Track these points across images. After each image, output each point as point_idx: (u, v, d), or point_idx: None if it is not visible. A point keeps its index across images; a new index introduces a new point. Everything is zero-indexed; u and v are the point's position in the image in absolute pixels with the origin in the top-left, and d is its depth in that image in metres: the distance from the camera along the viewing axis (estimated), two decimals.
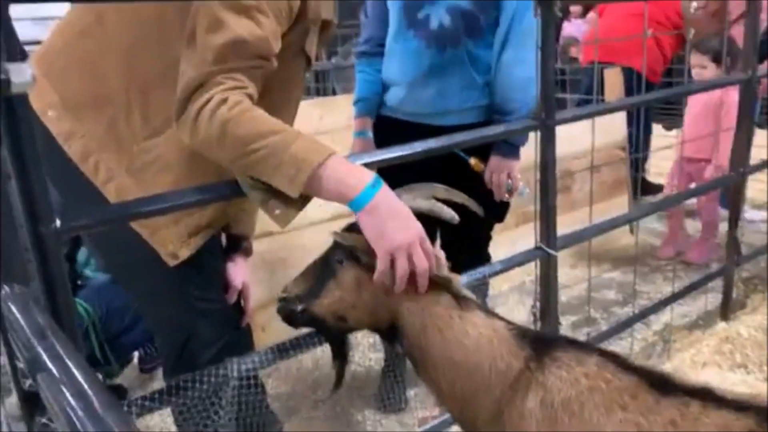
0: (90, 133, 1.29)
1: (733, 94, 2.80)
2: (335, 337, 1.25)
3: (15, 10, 0.97)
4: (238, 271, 1.61)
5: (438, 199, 1.28)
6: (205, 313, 1.45)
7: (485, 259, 2.27)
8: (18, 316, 0.75)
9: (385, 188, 1.14)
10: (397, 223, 1.12)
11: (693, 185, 3.03)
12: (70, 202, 1.37)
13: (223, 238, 1.65)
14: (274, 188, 1.16)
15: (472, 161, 1.95)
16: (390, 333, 1.19)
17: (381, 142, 2.06)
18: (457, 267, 1.91)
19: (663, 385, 1.01)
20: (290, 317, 1.22)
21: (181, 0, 1.19)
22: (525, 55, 1.82)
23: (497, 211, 2.17)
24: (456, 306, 1.14)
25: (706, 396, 0.97)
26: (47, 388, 0.62)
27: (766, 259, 2.85)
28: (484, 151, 1.95)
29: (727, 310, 2.72)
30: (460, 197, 1.33)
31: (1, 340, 0.74)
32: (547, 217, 1.84)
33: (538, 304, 1.93)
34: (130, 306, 2.21)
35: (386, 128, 2.07)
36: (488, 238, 2.26)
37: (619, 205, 3.64)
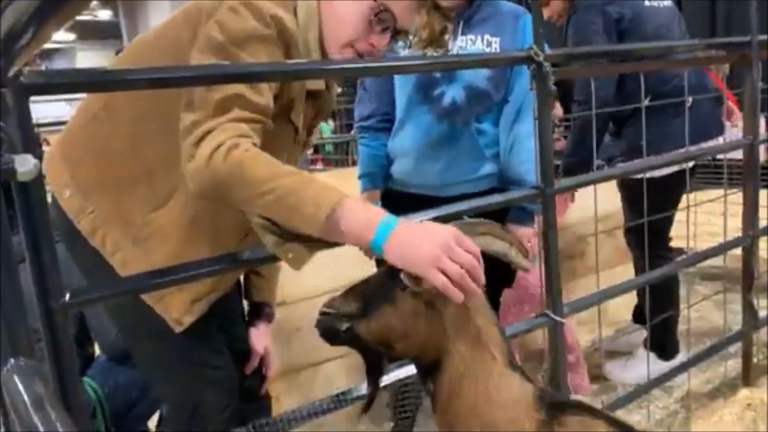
0: (98, 209, 1.37)
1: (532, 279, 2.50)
2: (373, 359, 1.21)
3: None
4: (260, 337, 1.66)
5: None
6: (211, 381, 1.48)
7: None
8: (20, 387, 0.79)
9: (399, 223, 1.12)
10: (419, 238, 1.09)
11: None
12: (84, 273, 1.45)
13: (246, 304, 1.72)
14: (288, 232, 1.18)
15: None
16: (428, 368, 1.16)
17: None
18: None
19: None
20: (331, 334, 1.15)
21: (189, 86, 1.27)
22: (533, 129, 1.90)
23: (505, 277, 2.21)
24: (503, 362, 1.14)
25: None
26: None
27: None
28: (494, 220, 2.00)
29: (748, 375, 2.66)
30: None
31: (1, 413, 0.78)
32: (551, 283, 1.86)
33: (546, 371, 1.93)
34: (136, 379, 2.22)
35: (394, 202, 2.10)
36: (497, 304, 2.28)
37: (620, 274, 3.59)
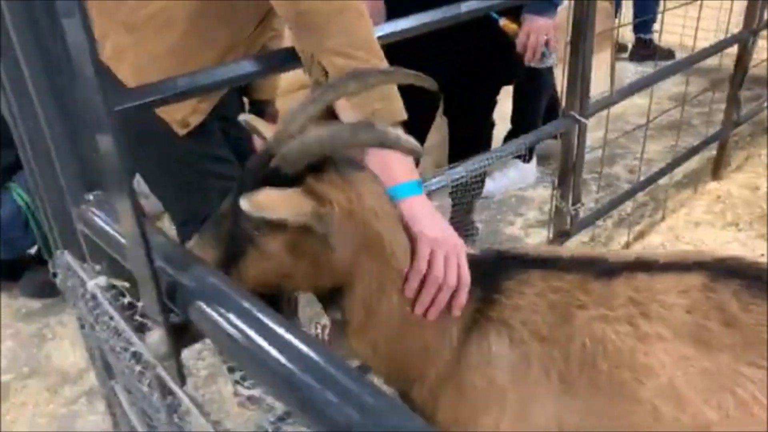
0: None
1: None
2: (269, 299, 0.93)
3: None
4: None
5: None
6: (219, 191, 1.36)
7: (490, 125, 2.19)
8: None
9: (423, 194, 1.02)
10: (436, 217, 0.99)
11: None
12: None
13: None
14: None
15: (502, 22, 1.80)
16: (330, 296, 0.94)
17: (392, 8, 1.73)
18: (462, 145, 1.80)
19: (605, 270, 0.94)
20: None
21: None
22: None
23: (509, 72, 2.08)
24: None
25: (645, 266, 0.94)
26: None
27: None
28: (514, 12, 1.81)
29: (719, 169, 2.75)
30: None
31: None
32: (579, 82, 1.73)
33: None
34: None
35: None
36: (494, 103, 2.16)
37: (602, 60, 3.52)
